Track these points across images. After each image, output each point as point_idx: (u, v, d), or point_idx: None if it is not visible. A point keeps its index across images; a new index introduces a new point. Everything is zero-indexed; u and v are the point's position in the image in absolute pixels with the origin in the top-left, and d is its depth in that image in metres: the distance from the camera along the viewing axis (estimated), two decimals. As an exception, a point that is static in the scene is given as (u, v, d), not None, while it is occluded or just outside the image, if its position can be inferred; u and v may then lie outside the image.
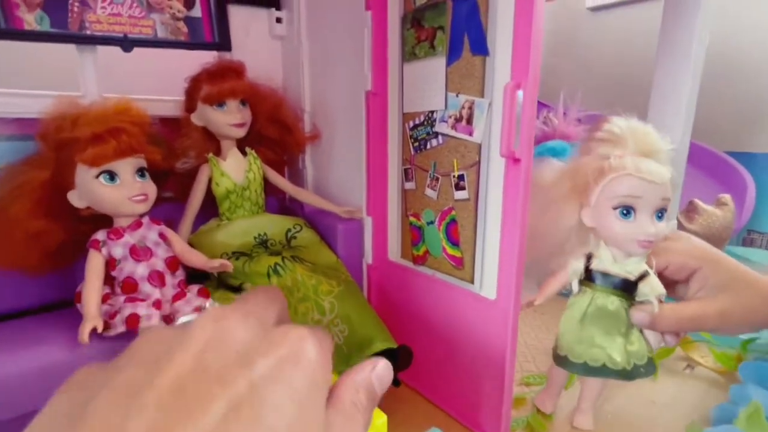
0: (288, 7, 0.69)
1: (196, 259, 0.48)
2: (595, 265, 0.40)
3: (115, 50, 0.56)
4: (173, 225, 0.55)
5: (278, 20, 0.70)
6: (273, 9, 0.70)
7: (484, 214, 0.44)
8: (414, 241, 0.54)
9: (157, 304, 0.43)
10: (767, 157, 1.14)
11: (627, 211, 0.37)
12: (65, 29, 0.53)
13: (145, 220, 0.47)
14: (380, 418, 0.36)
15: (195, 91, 0.54)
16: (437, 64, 0.46)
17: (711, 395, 0.57)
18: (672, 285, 0.41)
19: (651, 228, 0.37)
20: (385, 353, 0.48)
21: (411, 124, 0.51)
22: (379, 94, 0.54)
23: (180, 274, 0.47)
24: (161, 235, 0.47)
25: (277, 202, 0.72)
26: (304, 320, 0.49)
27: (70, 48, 0.55)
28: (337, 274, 0.53)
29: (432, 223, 0.50)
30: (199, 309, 0.45)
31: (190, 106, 0.55)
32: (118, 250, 0.44)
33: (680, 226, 0.73)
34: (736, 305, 0.38)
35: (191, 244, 0.52)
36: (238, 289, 0.52)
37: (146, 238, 0.46)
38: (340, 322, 0.49)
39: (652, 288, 0.38)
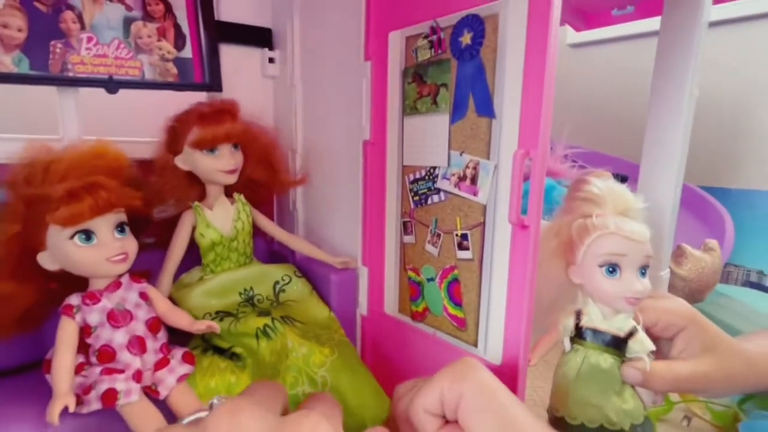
0: (281, 47, 0.68)
1: (181, 320, 0.44)
2: (584, 322, 0.40)
3: (100, 91, 0.53)
4: (152, 275, 0.51)
5: (271, 60, 0.69)
6: (266, 49, 0.68)
7: (489, 277, 0.42)
8: (413, 297, 0.52)
9: (137, 376, 0.39)
10: (741, 192, 1.18)
11: (613, 268, 0.38)
12: (46, 71, 0.50)
13: (125, 279, 0.42)
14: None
15: (183, 133, 0.50)
16: (440, 121, 0.45)
17: (710, 450, 0.56)
18: (655, 342, 0.42)
19: (638, 285, 0.38)
20: None
21: (411, 177, 0.49)
22: (377, 144, 0.53)
23: (162, 336, 0.43)
24: (142, 295, 0.43)
25: (265, 244, 0.69)
26: (294, 392, 0.46)
27: (50, 89, 0.52)
28: (330, 335, 0.51)
29: (432, 280, 0.48)
30: (183, 378, 0.41)
31: (175, 148, 0.51)
32: (95, 316, 0.39)
33: (671, 272, 0.73)
34: (719, 368, 0.39)
35: (171, 299, 0.48)
36: (224, 352, 0.49)
37: (126, 300, 0.41)
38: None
39: (642, 344, 0.38)
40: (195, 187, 0.53)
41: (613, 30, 1.04)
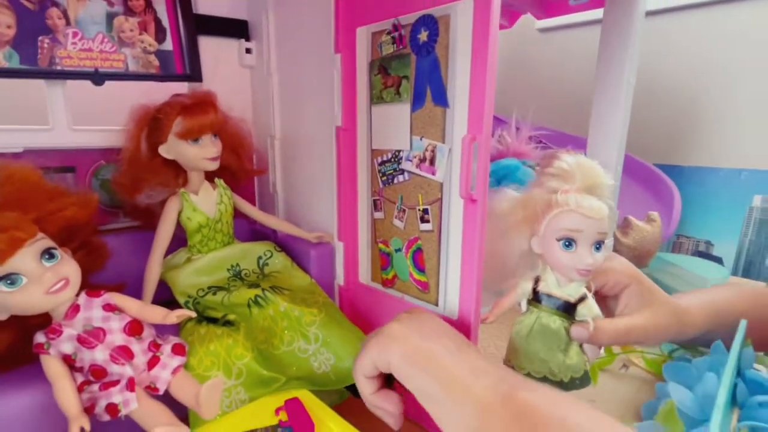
0: (257, 38, 0.72)
1: (154, 315, 0.44)
2: (541, 288, 0.45)
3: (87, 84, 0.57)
4: (142, 256, 0.55)
5: (248, 51, 0.73)
6: (243, 40, 0.72)
7: (447, 245, 0.49)
8: (383, 266, 0.58)
9: (131, 384, 0.39)
10: (693, 169, 1.28)
11: (569, 242, 0.42)
12: (35, 65, 0.53)
13: (82, 300, 0.40)
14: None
15: (167, 123, 0.53)
16: (402, 110, 0.51)
17: (643, 392, 0.65)
18: (603, 300, 0.48)
19: (589, 259, 0.42)
20: None
21: (379, 159, 0.55)
22: (348, 130, 0.58)
23: (148, 334, 0.43)
24: (107, 307, 0.41)
25: (248, 225, 0.74)
26: (291, 348, 0.52)
27: (39, 82, 0.56)
28: (314, 298, 0.57)
29: (399, 250, 0.55)
30: (177, 369, 0.43)
31: (158, 138, 0.54)
32: (66, 346, 0.39)
33: (616, 239, 0.82)
34: (654, 321, 0.44)
35: (162, 281, 0.53)
36: (218, 321, 0.54)
37: (92, 318, 0.40)
38: (326, 351, 0.52)
39: (589, 310, 0.44)
40: (177, 174, 0.57)
41: (582, 15, 1.09)
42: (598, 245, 0.43)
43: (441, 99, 0.46)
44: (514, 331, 0.48)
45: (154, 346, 0.44)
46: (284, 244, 0.67)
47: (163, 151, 0.54)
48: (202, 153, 0.55)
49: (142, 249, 0.57)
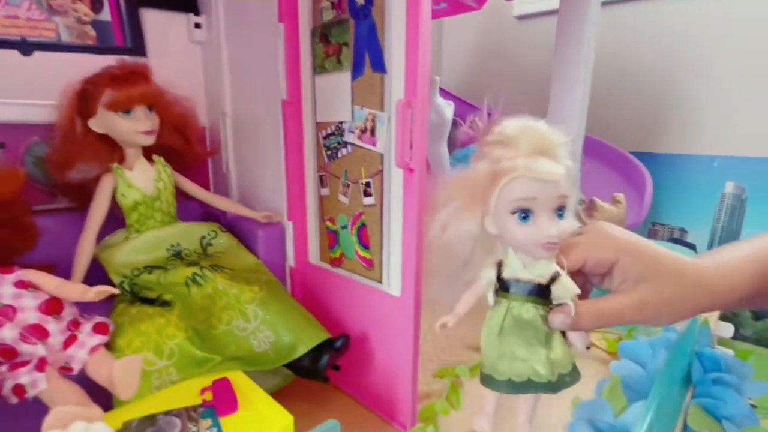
0: (207, 12, 0.69)
1: (73, 292, 0.42)
2: (506, 273, 0.38)
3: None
4: (74, 238, 0.53)
5: (197, 25, 0.70)
6: (191, 14, 0.69)
7: (389, 219, 0.47)
8: (331, 245, 0.56)
9: (41, 365, 0.37)
10: (666, 156, 1.28)
11: (525, 214, 0.35)
12: (-47, 32, 0.50)
13: None
14: (285, 419, 0.38)
15: (96, 95, 0.50)
16: (344, 79, 0.48)
17: (601, 372, 0.65)
18: (600, 280, 0.39)
19: (552, 229, 0.35)
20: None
21: (324, 133, 0.53)
22: (293, 103, 0.56)
23: (69, 313, 0.41)
24: (20, 284, 0.39)
25: (200, 207, 0.71)
26: (229, 327, 0.50)
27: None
28: (258, 277, 0.54)
29: (345, 227, 0.53)
30: (96, 349, 0.41)
31: (87, 111, 0.51)
32: None
33: (580, 222, 0.81)
34: (655, 295, 0.35)
35: (96, 260, 0.51)
36: (154, 302, 0.52)
37: (0, 296, 0.39)
38: (266, 329, 0.50)
39: (565, 289, 0.36)
40: (112, 150, 0.54)
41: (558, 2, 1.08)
42: (561, 211, 0.36)
43: (379, 65, 0.44)
44: (484, 331, 0.40)
45: (74, 325, 0.41)
46: (233, 226, 0.64)
47: (94, 124, 0.52)
48: (135, 126, 0.52)
49: (78, 230, 0.54)
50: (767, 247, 0.36)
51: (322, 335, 0.50)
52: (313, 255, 0.60)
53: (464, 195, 0.40)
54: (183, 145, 0.61)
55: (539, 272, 0.36)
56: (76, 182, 0.53)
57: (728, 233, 1.25)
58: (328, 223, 0.56)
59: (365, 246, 0.51)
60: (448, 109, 0.89)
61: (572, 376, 0.38)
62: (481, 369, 0.40)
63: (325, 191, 0.55)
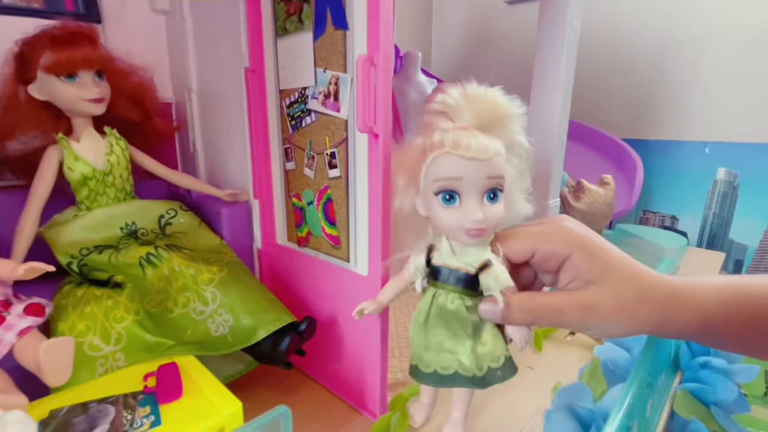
0: (168, -23, 0.65)
1: (2, 269, 0.38)
2: (435, 259, 0.35)
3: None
4: (15, 218, 0.48)
5: (159, -8, 0.65)
6: (152, -21, 0.65)
7: (354, 192, 0.44)
8: (297, 223, 0.53)
9: None
10: (658, 143, 1.26)
11: (449, 195, 0.32)
12: None
13: None
14: (233, 406, 0.34)
15: (34, 57, 0.46)
16: (305, 39, 0.45)
17: (585, 358, 0.62)
18: (550, 279, 0.36)
19: (478, 213, 0.31)
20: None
21: (287, 101, 0.49)
22: (257, 71, 0.52)
23: (1, 293, 0.39)
24: None
25: (166, 187, 0.68)
26: (186, 310, 0.46)
27: None
28: (219, 257, 0.51)
29: (312, 203, 0.49)
30: (27, 331, 0.37)
31: (26, 75, 0.47)
32: None
33: (567, 204, 0.78)
34: (603, 300, 0.31)
35: (42, 240, 0.47)
36: (106, 284, 0.48)
37: None
38: (224, 312, 0.46)
39: (496, 279, 0.32)
40: (57, 119, 0.50)
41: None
42: (493, 194, 0.32)
43: (340, 21, 0.40)
44: (412, 319, 0.37)
45: (3, 306, 0.38)
46: (198, 206, 0.61)
47: (34, 90, 0.47)
48: (81, 93, 0.48)
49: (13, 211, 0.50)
50: (750, 278, 0.32)
51: (286, 318, 0.46)
52: (281, 235, 0.56)
53: (402, 171, 0.35)
54: (142, 119, 0.57)
55: (468, 260, 0.34)
56: (19, 155, 0.49)
57: (719, 220, 1.23)
58: (294, 200, 0.52)
59: (331, 222, 0.47)
60: (430, 86, 0.85)
61: (504, 370, 0.36)
62: (411, 359, 0.38)
63: (290, 165, 0.51)
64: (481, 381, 0.36)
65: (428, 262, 0.36)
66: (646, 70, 1.21)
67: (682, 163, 1.25)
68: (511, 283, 0.33)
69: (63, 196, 0.52)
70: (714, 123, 1.16)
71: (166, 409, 0.34)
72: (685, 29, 1.13)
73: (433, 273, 0.36)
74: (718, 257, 1.05)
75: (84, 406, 0.33)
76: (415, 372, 0.38)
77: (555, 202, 0.69)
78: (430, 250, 0.36)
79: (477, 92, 0.33)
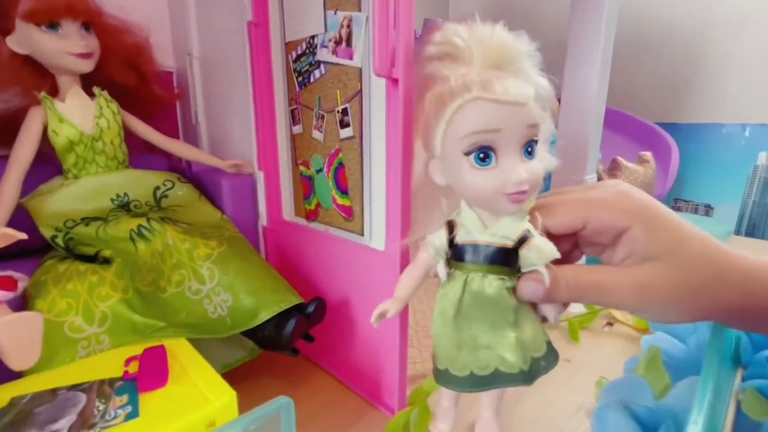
0: (168, -67, 0.60)
1: None
2: (460, 237, 0.29)
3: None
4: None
5: (158, -51, 0.60)
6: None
7: (369, 153, 0.38)
8: (305, 195, 0.47)
9: None
10: (691, 126, 1.17)
11: (484, 153, 0.26)
12: None
13: None
14: (225, 396, 0.29)
15: (11, 4, 0.41)
16: (314, -22, 0.39)
17: (627, 350, 0.55)
18: (598, 251, 0.30)
19: (521, 172, 0.26)
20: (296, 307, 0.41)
21: (294, 55, 0.44)
22: (260, 24, 0.46)
23: None
24: None
25: (167, 162, 0.63)
26: (180, 290, 0.41)
27: None
28: (219, 233, 0.45)
29: (321, 170, 0.44)
30: None
31: (3, 25, 0.42)
32: None
33: (602, 184, 0.71)
34: (664, 279, 0.27)
35: (26, 210, 0.42)
36: (93, 259, 0.43)
37: None
38: (222, 291, 0.41)
39: (539, 252, 0.27)
40: (41, 77, 0.45)
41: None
42: (530, 147, 0.27)
43: (354, -51, 0.35)
44: (435, 314, 0.31)
45: None
46: (198, 180, 0.55)
47: (13, 42, 0.42)
48: (64, 46, 0.43)
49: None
50: None
51: (291, 299, 0.41)
52: (287, 210, 0.51)
53: (417, 133, 0.30)
54: (137, 84, 0.52)
55: (504, 233, 0.28)
56: (1, 117, 0.44)
57: (761, 209, 1.14)
58: (302, 168, 0.46)
59: (343, 191, 0.42)
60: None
61: (548, 358, 0.31)
62: (434, 363, 0.30)
63: (297, 129, 0.46)
64: (528, 376, 0.30)
65: (450, 241, 0.29)
66: (677, 49, 1.12)
67: (718, 148, 1.15)
68: (556, 254, 0.27)
69: (50, 164, 0.48)
70: (754, 103, 1.07)
71: (147, 399, 0.28)
72: (721, 2, 1.04)
73: (458, 254, 0.29)
74: (765, 246, 0.96)
75: (52, 393, 0.28)
76: (444, 377, 0.31)
77: (591, 177, 0.63)
78: (451, 227, 0.29)
79: (483, 30, 0.26)
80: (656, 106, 1.20)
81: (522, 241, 0.28)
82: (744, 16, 1.01)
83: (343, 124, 0.40)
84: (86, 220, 0.44)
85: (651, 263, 0.27)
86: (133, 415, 0.27)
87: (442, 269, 0.30)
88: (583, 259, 0.32)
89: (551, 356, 0.31)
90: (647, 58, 1.16)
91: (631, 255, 0.27)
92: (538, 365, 0.31)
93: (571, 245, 0.31)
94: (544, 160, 0.28)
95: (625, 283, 0.27)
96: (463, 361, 0.30)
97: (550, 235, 0.28)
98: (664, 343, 0.43)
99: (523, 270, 0.28)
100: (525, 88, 0.26)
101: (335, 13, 0.38)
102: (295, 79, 0.44)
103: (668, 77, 1.16)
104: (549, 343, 0.31)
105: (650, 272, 0.26)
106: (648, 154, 0.74)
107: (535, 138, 0.27)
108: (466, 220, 0.29)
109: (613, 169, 0.72)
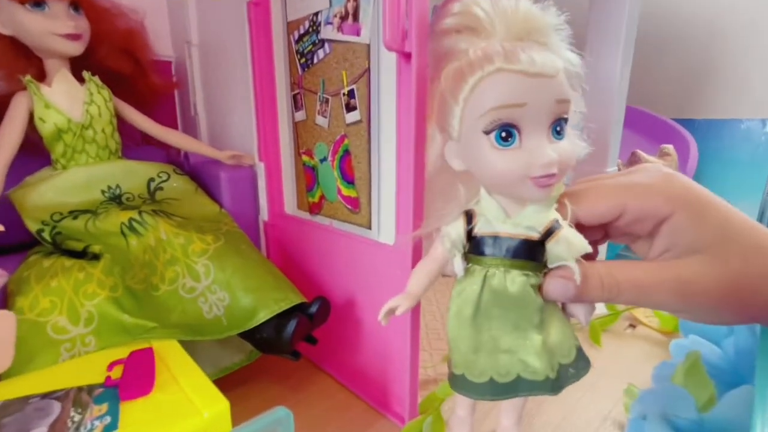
0: None
1: None
2: (479, 228, 0.26)
3: None
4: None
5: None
6: None
7: (378, 138, 0.35)
8: (309, 186, 0.44)
9: None
10: (707, 123, 1.13)
11: (506, 131, 0.23)
12: None
13: None
14: (217, 406, 0.26)
15: None
16: (317, -52, 0.36)
17: (653, 355, 0.51)
18: (631, 240, 0.27)
19: (549, 153, 0.23)
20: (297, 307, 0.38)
21: (296, 35, 0.41)
22: (261, 3, 0.43)
23: None
24: None
25: (166, 155, 0.60)
26: (173, 287, 0.38)
27: None
28: (216, 227, 0.42)
29: (325, 159, 0.41)
30: None
31: None
32: None
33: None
34: (711, 274, 0.23)
35: (12, 202, 0.39)
36: (82, 255, 0.41)
37: None
38: (219, 289, 0.38)
39: (569, 245, 0.24)
40: (27, 59, 0.42)
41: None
42: (559, 126, 0.24)
43: None
44: (451, 313, 0.28)
45: None
46: (196, 173, 0.52)
47: None
48: (50, 26, 0.40)
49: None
50: None
51: (293, 298, 0.38)
52: (290, 203, 0.48)
53: (432, 114, 0.26)
54: (132, 71, 0.50)
55: (529, 222, 0.25)
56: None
57: (782, 208, 1.09)
58: (305, 158, 0.43)
59: (349, 181, 0.38)
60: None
61: (578, 365, 0.28)
62: (450, 368, 0.29)
63: (299, 115, 0.43)
64: (555, 384, 0.26)
65: (469, 233, 0.26)
66: (694, 42, 1.08)
67: (737, 144, 1.11)
68: (588, 247, 0.24)
69: (42, 156, 0.45)
70: (776, 96, 1.03)
71: (129, 408, 0.25)
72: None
73: (477, 247, 0.26)
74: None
75: (23, 402, 0.25)
76: (461, 383, 0.28)
77: (612, 170, 0.59)
78: (469, 217, 0.26)
79: (507, 0, 0.23)
80: (672, 102, 1.16)
81: (549, 232, 0.24)
82: (764, 7, 0.97)
83: (349, 108, 0.36)
84: (74, 213, 0.41)
85: (695, 256, 0.23)
86: (112, 427, 0.24)
87: (459, 264, 0.26)
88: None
89: (581, 363, 0.28)
90: (663, 52, 1.12)
91: (673, 247, 0.24)
92: (566, 373, 0.27)
93: (600, 235, 0.28)
94: (574, 142, 0.25)
95: (666, 280, 0.23)
96: (482, 365, 0.27)
97: (580, 226, 0.25)
98: (700, 348, 0.40)
99: (550, 265, 0.25)
100: (553, 59, 0.23)
101: (341, -15, 0.35)
102: (297, 61, 0.41)
103: (685, 71, 1.12)
104: (579, 348, 0.28)
105: (695, 267, 0.23)
106: (669, 147, 0.70)
107: (565, 116, 0.24)
108: (486, 210, 0.26)
109: (632, 163, 0.69)
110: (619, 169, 0.67)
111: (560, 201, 0.25)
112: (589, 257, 0.25)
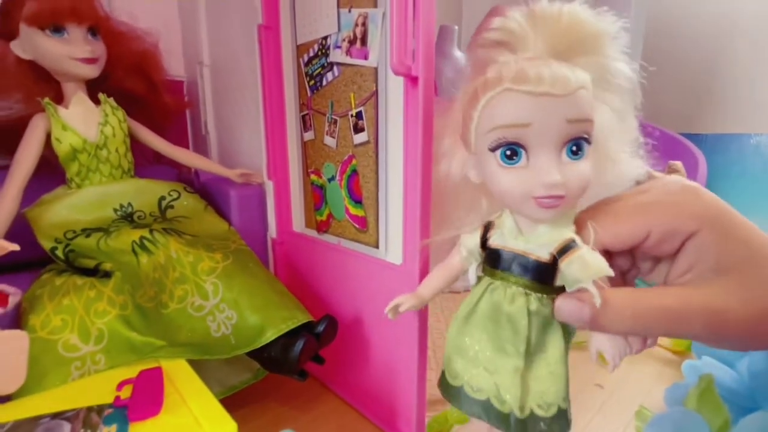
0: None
1: None
2: (493, 240, 0.26)
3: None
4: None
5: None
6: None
7: (386, 159, 0.35)
8: (316, 205, 0.44)
9: None
10: (716, 137, 1.12)
11: (511, 150, 0.23)
12: None
13: None
14: (224, 427, 0.26)
15: (15, 7, 0.40)
16: (327, -25, 0.37)
17: (665, 376, 0.50)
18: (651, 265, 0.26)
19: (553, 174, 0.22)
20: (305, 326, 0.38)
21: (305, 58, 0.41)
22: (271, 27, 0.45)
23: None
24: None
25: (177, 175, 0.60)
26: (182, 305, 0.39)
27: None
28: (224, 245, 0.43)
29: (333, 178, 0.41)
30: None
31: (7, 29, 0.41)
32: None
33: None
34: (742, 301, 0.22)
35: (28, 220, 0.40)
36: (93, 272, 0.41)
37: None
38: (226, 307, 0.38)
39: (584, 266, 0.23)
40: (46, 82, 0.43)
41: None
42: (576, 146, 0.23)
43: (370, -58, 0.32)
44: (456, 314, 0.28)
45: None
46: (206, 191, 0.53)
47: (18, 47, 0.41)
48: (69, 50, 0.41)
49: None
50: None
51: (300, 317, 0.38)
52: (298, 221, 0.48)
53: (447, 127, 0.27)
54: (146, 92, 0.51)
55: (540, 241, 0.24)
56: (3, 124, 0.43)
57: (793, 224, 1.07)
58: (313, 177, 0.44)
59: (357, 200, 0.39)
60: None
61: (553, 425, 0.25)
62: (445, 377, 0.28)
63: (308, 135, 0.43)
64: (519, 426, 0.25)
65: (484, 243, 0.26)
66: (702, 57, 1.08)
67: (746, 159, 1.10)
68: (608, 270, 0.22)
69: (56, 175, 0.46)
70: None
71: (137, 429, 0.25)
72: (747, 6, 1.00)
73: (492, 258, 0.26)
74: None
75: (33, 422, 0.26)
76: (441, 380, 0.28)
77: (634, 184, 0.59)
78: (487, 228, 0.26)
79: (549, 12, 0.23)
80: (681, 116, 1.15)
81: (563, 251, 0.23)
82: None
83: (357, 129, 0.37)
84: (87, 231, 0.42)
85: (722, 279, 0.22)
86: (121, 448, 0.24)
87: (473, 273, 0.27)
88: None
89: (559, 422, 0.25)
90: (671, 67, 1.12)
91: (696, 266, 0.22)
92: (536, 425, 0.25)
93: (628, 263, 0.25)
94: (610, 163, 0.24)
95: (695, 310, 0.22)
96: (458, 368, 0.27)
97: (606, 254, 0.23)
98: (713, 371, 0.39)
99: (569, 290, 0.23)
100: (570, 76, 0.22)
101: (349, 11, 0.35)
102: (306, 83, 0.42)
103: (693, 86, 1.12)
104: (563, 411, 0.25)
105: (723, 293, 0.22)
106: (678, 164, 0.69)
107: (584, 135, 0.23)
108: (503, 224, 0.25)
109: (639, 182, 0.68)
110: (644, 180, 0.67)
111: (582, 223, 0.24)
112: (614, 284, 0.23)
